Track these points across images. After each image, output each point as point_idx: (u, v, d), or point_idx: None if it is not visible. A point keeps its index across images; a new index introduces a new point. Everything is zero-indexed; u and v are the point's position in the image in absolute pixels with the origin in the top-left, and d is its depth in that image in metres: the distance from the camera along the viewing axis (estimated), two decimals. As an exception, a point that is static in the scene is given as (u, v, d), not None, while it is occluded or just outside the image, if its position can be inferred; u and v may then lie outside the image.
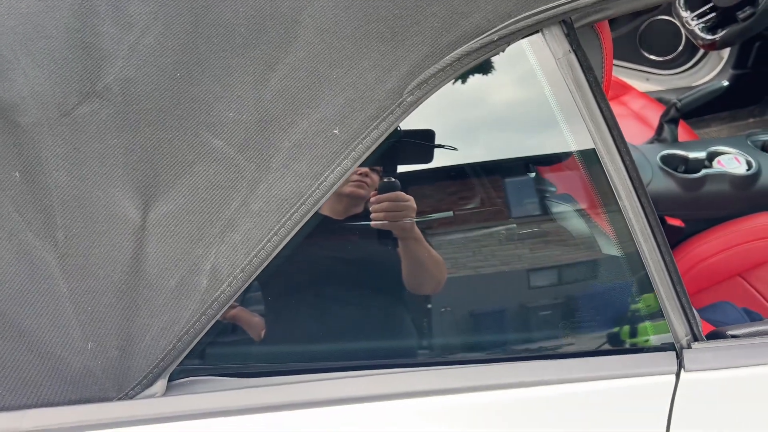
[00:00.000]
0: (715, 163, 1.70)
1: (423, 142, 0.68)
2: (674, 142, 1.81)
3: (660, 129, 1.84)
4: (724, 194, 1.67)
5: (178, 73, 0.58)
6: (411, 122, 0.63)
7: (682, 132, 1.92)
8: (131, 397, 0.63)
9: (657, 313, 0.68)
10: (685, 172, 1.67)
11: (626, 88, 2.20)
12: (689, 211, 1.65)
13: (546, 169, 0.74)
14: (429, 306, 0.74)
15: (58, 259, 0.60)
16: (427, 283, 0.73)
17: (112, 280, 0.61)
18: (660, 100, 2.15)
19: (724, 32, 1.91)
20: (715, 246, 1.60)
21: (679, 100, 1.80)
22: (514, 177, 0.76)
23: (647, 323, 0.71)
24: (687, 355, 0.67)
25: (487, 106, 0.70)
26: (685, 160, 1.69)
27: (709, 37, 1.97)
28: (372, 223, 0.70)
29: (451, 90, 0.63)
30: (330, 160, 0.60)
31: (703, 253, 1.60)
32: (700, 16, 2.01)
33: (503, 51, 0.61)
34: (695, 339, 0.68)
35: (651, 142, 1.86)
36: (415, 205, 0.69)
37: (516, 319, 0.75)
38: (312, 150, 0.60)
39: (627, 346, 0.72)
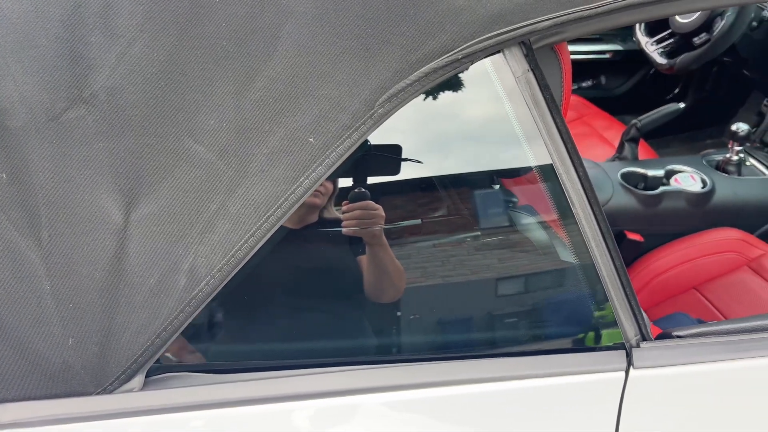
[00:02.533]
0: (672, 180, 1.78)
1: (390, 155, 0.72)
2: (634, 160, 1.89)
3: (621, 147, 1.91)
4: (680, 210, 1.75)
5: (162, 83, 0.62)
6: (382, 135, 0.67)
7: (643, 151, 2.00)
8: (109, 392, 0.66)
9: (608, 315, 0.73)
10: (645, 189, 1.75)
11: (590, 108, 2.28)
12: (648, 226, 1.72)
13: (509, 182, 0.79)
14: (398, 308, 0.78)
15: (41, 257, 0.63)
16: (388, 291, 0.77)
17: (94, 278, 0.63)
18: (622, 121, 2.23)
19: (681, 57, 2.01)
20: (672, 260, 1.67)
21: (639, 120, 1.88)
22: (477, 188, 0.81)
23: (599, 324, 0.75)
24: (636, 353, 0.72)
25: (453, 120, 0.75)
26: (645, 177, 1.77)
27: (667, 61, 2.07)
28: (343, 230, 0.74)
29: (421, 104, 0.67)
30: (305, 166, 0.64)
31: (660, 267, 1.66)
32: (658, 42, 2.12)
33: (467, 69, 0.66)
34: (644, 339, 0.73)
35: (612, 159, 1.93)
36: (383, 213, 0.74)
37: (478, 320, 0.79)
38: (288, 157, 0.63)
39: (580, 345, 0.77)
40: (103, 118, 0.62)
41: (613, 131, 2.16)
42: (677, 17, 2.00)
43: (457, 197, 0.80)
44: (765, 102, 1.99)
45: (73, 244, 0.63)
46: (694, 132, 2.57)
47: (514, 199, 0.80)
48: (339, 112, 0.63)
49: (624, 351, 0.73)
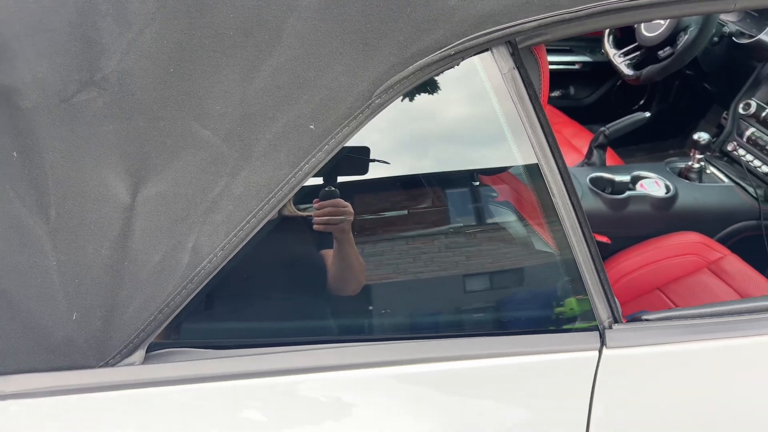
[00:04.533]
0: (638, 186, 1.86)
1: (360, 156, 0.76)
2: (602, 165, 1.96)
3: (590, 153, 1.99)
4: (645, 214, 1.82)
5: (171, 69, 0.65)
6: (376, 125, 0.71)
7: (610, 158, 2.08)
8: (111, 366, 0.68)
9: (584, 300, 0.79)
10: (612, 193, 1.82)
11: (559, 117, 2.36)
12: (615, 228, 1.79)
13: (493, 172, 0.84)
14: (387, 292, 0.82)
15: (49, 234, 0.65)
16: (351, 284, 0.81)
17: (100, 255, 0.66)
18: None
19: (646, 69, 2.10)
20: (637, 262, 1.73)
21: (607, 128, 1.96)
22: (461, 181, 0.85)
23: (575, 308, 0.81)
24: (609, 334, 0.78)
25: (443, 113, 0.79)
26: (612, 182, 1.84)
27: (633, 72, 2.16)
28: (315, 225, 0.78)
29: (415, 98, 0.72)
30: (305, 152, 0.67)
31: (626, 268, 1.73)
32: (626, 54, 2.21)
33: (458, 65, 0.70)
34: (616, 321, 0.79)
35: (581, 165, 2.00)
36: (352, 210, 0.78)
37: (464, 303, 0.84)
38: (290, 142, 0.67)
39: (558, 327, 0.82)
40: (113, 101, 0.64)
41: (581, 139, 2.24)
42: (643, 31, 2.10)
43: (442, 189, 0.85)
44: (724, 114, 2.09)
45: (80, 221, 0.66)
46: (657, 143, 2.67)
47: (496, 191, 0.85)
48: (339, 101, 0.67)
49: (597, 332, 0.78)
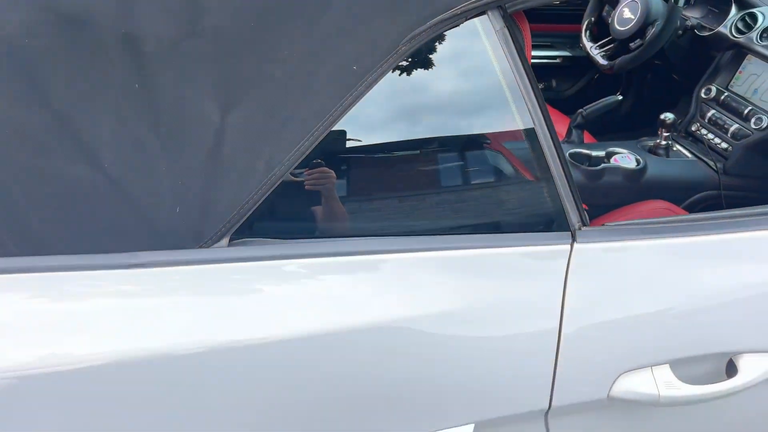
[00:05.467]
0: (612, 159, 2.08)
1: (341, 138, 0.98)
2: (581, 143, 2.21)
3: (569, 133, 2.23)
4: (618, 184, 2.05)
5: (252, 23, 0.88)
6: (402, 73, 0.95)
7: (587, 139, 2.32)
8: (206, 247, 0.90)
9: (559, 209, 1.02)
10: (589, 166, 2.06)
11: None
12: (592, 197, 2.00)
13: (488, 115, 1.07)
14: (398, 201, 1.04)
15: (160, 146, 0.87)
16: (337, 222, 1.02)
17: (199, 162, 0.88)
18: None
19: (619, 59, 2.35)
20: (611, 224, 1.94)
21: (585, 110, 2.21)
22: (460, 119, 1.08)
23: (552, 215, 1.04)
24: (578, 234, 1.01)
25: (448, 68, 1.02)
26: (589, 157, 2.06)
27: (608, 63, 2.41)
28: (306, 186, 0.99)
29: (432, 52, 0.95)
30: (349, 87, 0.90)
31: (602, 229, 1.94)
32: (601, 47, 2.46)
33: (462, 23, 0.94)
34: (584, 225, 1.02)
35: (562, 143, 2.24)
36: (335, 175, 0.99)
37: (462, 211, 1.06)
38: (339, 80, 0.90)
39: (540, 229, 1.05)
40: (210, 47, 0.87)
41: (563, 126, 2.48)
42: (616, 26, 2.35)
43: (441, 127, 1.08)
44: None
45: (184, 137, 0.88)
46: (629, 132, 2.92)
47: (489, 128, 1.08)
48: (374, 48, 0.90)
49: (569, 232, 1.01)
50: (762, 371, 1.05)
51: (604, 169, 2.05)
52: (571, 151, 2.09)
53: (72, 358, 0.82)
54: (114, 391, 0.84)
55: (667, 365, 1.03)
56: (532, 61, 2.86)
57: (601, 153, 2.11)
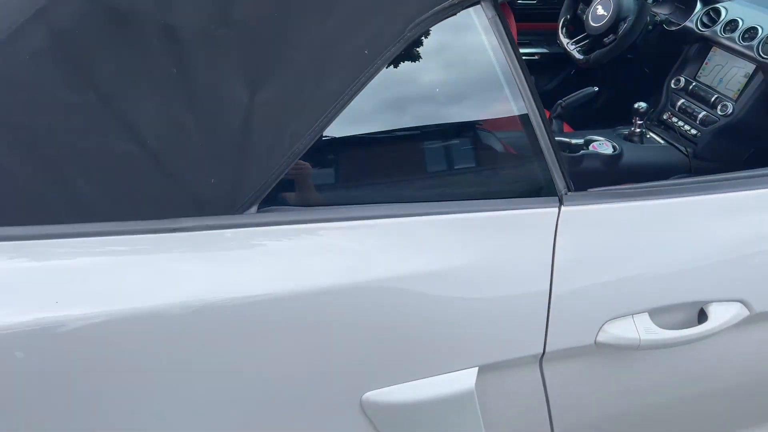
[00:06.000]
0: (590, 147, 2.23)
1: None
2: (560, 132, 2.35)
3: (550, 123, 2.37)
4: (596, 169, 2.19)
5: (275, 14, 0.99)
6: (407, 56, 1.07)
7: (566, 130, 2.46)
8: (238, 213, 1.01)
9: (547, 176, 1.14)
10: (569, 152, 2.20)
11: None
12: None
13: (481, 94, 1.20)
14: (397, 169, 1.16)
15: (195, 124, 0.98)
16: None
17: (230, 137, 0.99)
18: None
19: (594, 54, 2.50)
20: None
21: (564, 101, 2.35)
22: (455, 93, 1.21)
23: (541, 182, 1.16)
24: (565, 198, 1.14)
25: (447, 52, 1.15)
26: (569, 144, 2.21)
27: (584, 57, 2.56)
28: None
29: (431, 37, 1.08)
30: (361, 69, 1.02)
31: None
32: (576, 42, 2.61)
33: (460, 12, 1.07)
34: (570, 190, 1.15)
35: (544, 132, 2.38)
36: (311, 167, 1.10)
37: (462, 182, 1.19)
38: (352, 63, 1.02)
39: (531, 195, 1.17)
40: (238, 36, 0.98)
41: (544, 117, 2.63)
42: (591, 22, 2.50)
43: (444, 108, 1.20)
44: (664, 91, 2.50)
45: (216, 116, 0.99)
46: (606, 123, 3.07)
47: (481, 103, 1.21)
48: (383, 34, 1.02)
49: (557, 197, 1.14)
50: (728, 318, 1.18)
51: (583, 155, 2.18)
52: (553, 139, 2.22)
53: (130, 312, 0.92)
54: (171, 340, 0.94)
55: (646, 313, 1.16)
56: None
57: (580, 141, 2.25)
